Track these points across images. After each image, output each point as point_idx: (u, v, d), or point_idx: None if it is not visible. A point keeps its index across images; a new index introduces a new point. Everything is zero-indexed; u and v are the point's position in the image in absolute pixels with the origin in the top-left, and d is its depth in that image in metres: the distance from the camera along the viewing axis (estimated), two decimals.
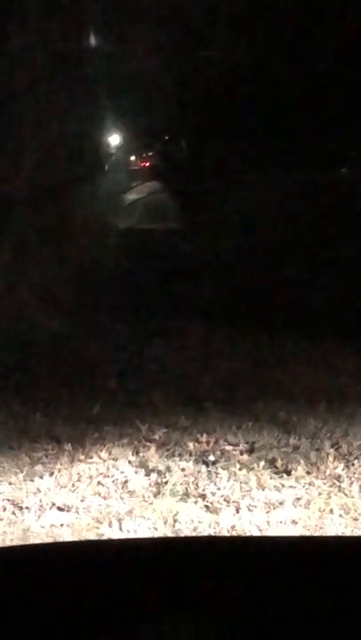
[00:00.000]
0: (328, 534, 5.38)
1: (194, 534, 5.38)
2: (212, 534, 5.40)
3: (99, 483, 6.30)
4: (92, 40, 13.08)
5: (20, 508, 5.83)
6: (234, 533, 5.42)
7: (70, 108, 13.02)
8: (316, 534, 5.38)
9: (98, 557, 1.98)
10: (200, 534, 5.39)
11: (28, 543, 5.24)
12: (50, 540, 5.34)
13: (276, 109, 13.06)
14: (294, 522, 5.58)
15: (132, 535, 5.41)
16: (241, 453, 6.89)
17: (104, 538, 5.39)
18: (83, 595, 1.77)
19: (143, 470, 6.55)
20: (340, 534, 5.38)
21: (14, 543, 5.26)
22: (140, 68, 13.38)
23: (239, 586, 1.81)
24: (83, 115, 13.71)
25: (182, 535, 5.36)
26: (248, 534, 5.40)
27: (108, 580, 1.82)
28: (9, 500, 5.97)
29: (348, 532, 5.43)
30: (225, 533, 5.41)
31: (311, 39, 12.63)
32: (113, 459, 6.77)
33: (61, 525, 5.58)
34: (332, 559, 1.99)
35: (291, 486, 6.26)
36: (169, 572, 1.87)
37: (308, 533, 5.40)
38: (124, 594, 1.76)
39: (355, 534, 5.38)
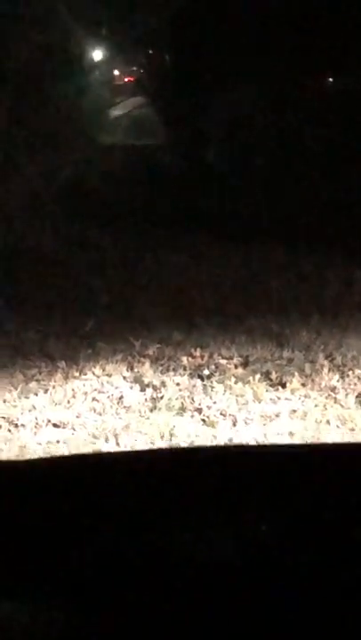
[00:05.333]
0: None
1: None
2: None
3: (93, 399, 6.28)
4: None
5: (16, 426, 5.82)
6: None
7: (51, 21, 12.75)
8: None
9: (94, 471, 1.95)
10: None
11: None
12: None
13: (264, 15, 12.81)
14: (291, 434, 5.59)
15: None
16: (235, 367, 6.86)
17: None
18: (82, 510, 1.73)
19: (138, 386, 6.52)
20: None
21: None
22: None
23: (245, 496, 1.77)
24: (63, 28, 13.44)
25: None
26: None
27: (106, 495, 1.79)
28: (4, 417, 5.95)
29: None
30: None
31: None
32: (107, 375, 6.73)
33: (58, 442, 5.57)
34: (333, 465, 1.97)
35: (286, 399, 6.26)
36: (169, 485, 1.83)
37: None
38: (125, 508, 1.73)
39: None
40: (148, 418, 5.90)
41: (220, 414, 5.95)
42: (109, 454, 3.81)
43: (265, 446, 5.04)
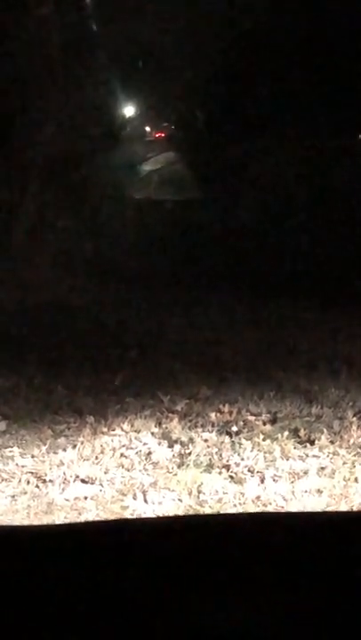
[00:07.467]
0: (354, 503, 5.36)
1: (219, 505, 5.36)
2: (237, 505, 5.38)
3: (122, 455, 6.27)
4: (108, 10, 12.97)
5: (44, 481, 5.81)
6: (259, 504, 5.39)
7: (85, 79, 12.94)
8: (342, 503, 5.35)
9: (112, 538, 1.92)
10: (225, 504, 5.38)
11: (51, 518, 5.24)
12: (74, 513, 5.33)
13: (293, 75, 12.93)
14: (319, 491, 5.55)
15: (156, 507, 5.39)
16: (264, 423, 6.86)
17: (127, 511, 5.37)
18: (95, 578, 1.71)
19: (166, 442, 6.52)
20: None
21: (39, 516, 5.25)
22: (155, 37, 13.27)
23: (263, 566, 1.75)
24: (97, 85, 13.63)
25: (206, 507, 5.34)
26: (273, 504, 5.38)
27: (122, 563, 1.76)
28: (32, 472, 5.95)
29: None
30: (250, 504, 5.38)
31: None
32: (135, 430, 6.74)
33: (85, 498, 5.55)
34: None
35: (315, 456, 6.23)
36: (187, 555, 1.80)
37: (333, 502, 5.37)
38: (142, 578, 1.70)
39: None
40: (175, 474, 5.88)
41: (248, 471, 5.93)
42: (124, 521, 3.76)
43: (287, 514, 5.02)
